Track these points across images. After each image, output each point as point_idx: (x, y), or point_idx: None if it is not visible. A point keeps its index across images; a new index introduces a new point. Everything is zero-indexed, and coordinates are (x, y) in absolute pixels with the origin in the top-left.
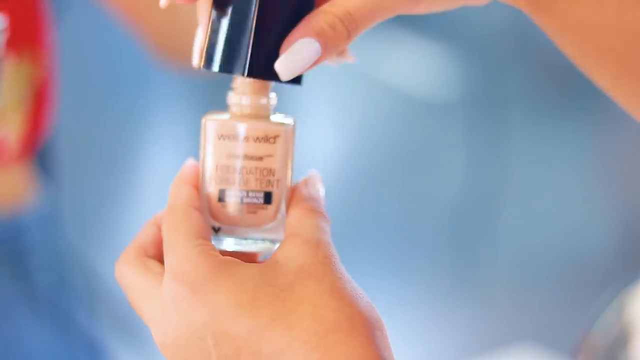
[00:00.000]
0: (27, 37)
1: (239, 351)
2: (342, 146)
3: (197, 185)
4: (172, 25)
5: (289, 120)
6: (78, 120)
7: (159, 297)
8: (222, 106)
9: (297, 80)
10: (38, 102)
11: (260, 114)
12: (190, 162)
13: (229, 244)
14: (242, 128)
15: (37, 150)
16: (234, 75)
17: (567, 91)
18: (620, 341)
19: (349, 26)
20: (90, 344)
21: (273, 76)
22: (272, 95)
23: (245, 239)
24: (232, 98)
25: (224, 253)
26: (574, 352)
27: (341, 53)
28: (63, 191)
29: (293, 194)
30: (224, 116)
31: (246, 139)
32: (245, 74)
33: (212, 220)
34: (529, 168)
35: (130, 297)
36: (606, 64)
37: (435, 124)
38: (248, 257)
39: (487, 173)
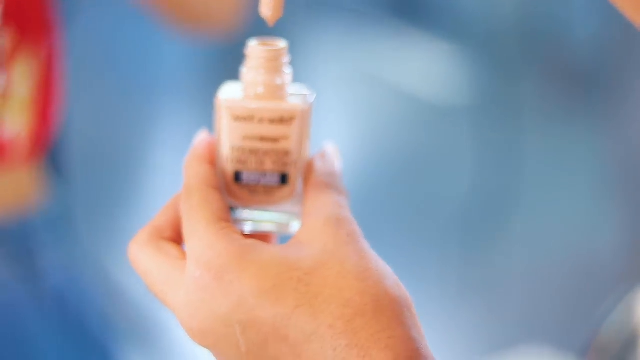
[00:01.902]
0: (35, 36)
1: (266, 337)
2: (351, 149)
3: (213, 162)
4: None
5: (304, 100)
6: (89, 120)
7: (182, 284)
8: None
9: None
10: (46, 100)
11: (276, 94)
12: (202, 136)
13: (246, 223)
14: (257, 110)
15: (47, 150)
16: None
17: (578, 95)
18: (630, 342)
19: None
20: (100, 345)
21: None
22: (288, 71)
23: (262, 218)
24: (246, 75)
25: (247, 236)
26: (584, 353)
27: None
28: (74, 191)
29: (309, 168)
30: (238, 95)
31: (261, 120)
32: None
33: (229, 200)
34: (539, 171)
35: (148, 282)
36: None
37: (446, 127)
38: (267, 237)
39: (497, 176)
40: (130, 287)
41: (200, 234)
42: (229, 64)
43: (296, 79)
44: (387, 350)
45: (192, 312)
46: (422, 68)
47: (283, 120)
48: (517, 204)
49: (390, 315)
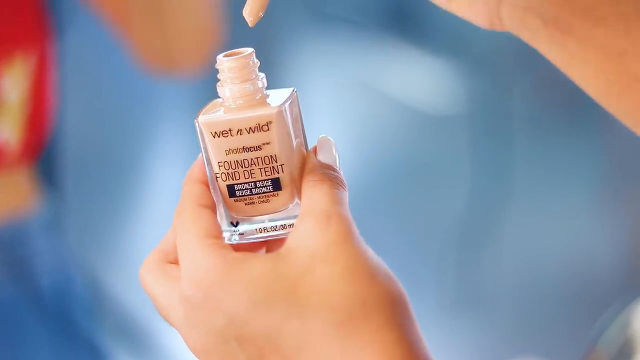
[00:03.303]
0: (28, 42)
1: (262, 351)
2: (347, 159)
3: (206, 181)
4: (160, 33)
5: (280, 101)
6: (81, 126)
7: (179, 304)
8: None
9: None
10: (38, 106)
11: (252, 102)
12: (201, 156)
13: (251, 235)
14: (232, 122)
15: (38, 156)
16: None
17: (571, 105)
18: (625, 357)
19: None
20: (92, 348)
21: None
22: (261, 76)
23: (266, 227)
24: (219, 90)
25: (241, 246)
26: None
27: None
28: (65, 197)
29: (304, 165)
30: (215, 112)
31: (239, 131)
32: None
33: (230, 215)
34: (533, 181)
35: (156, 305)
36: (633, 96)
37: (441, 137)
38: (259, 247)
39: (492, 186)
40: (119, 290)
41: (190, 253)
42: None
43: (292, 86)
44: (381, 354)
45: (191, 331)
46: (418, 79)
47: (261, 126)
48: (513, 213)
49: (381, 317)
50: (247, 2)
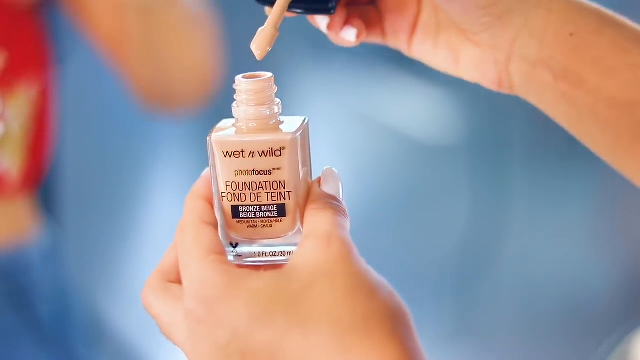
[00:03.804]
0: (29, 72)
1: None
2: (345, 189)
3: (211, 198)
4: (157, 71)
5: (294, 128)
6: (80, 156)
7: (182, 321)
8: None
9: (326, 8)
10: (39, 136)
11: (265, 127)
12: (206, 173)
13: (249, 258)
14: (246, 144)
15: (38, 185)
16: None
17: (570, 136)
18: None
19: None
20: None
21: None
22: (276, 101)
23: (264, 252)
24: (235, 110)
25: (240, 266)
26: None
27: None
28: (65, 226)
29: (308, 194)
30: (229, 132)
31: (252, 154)
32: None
33: (230, 235)
34: (532, 211)
35: (159, 324)
36: None
37: (438, 167)
38: (270, 265)
39: (490, 216)
40: (118, 318)
41: (192, 269)
42: (229, 95)
43: (291, 115)
44: None
45: (194, 347)
46: (417, 109)
47: (274, 151)
48: (511, 242)
49: (383, 331)
50: (255, 36)
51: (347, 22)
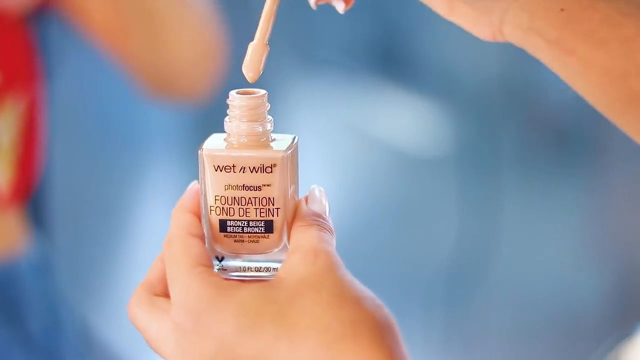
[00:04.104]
0: (18, 85)
1: None
2: (334, 202)
3: (198, 211)
4: (159, 59)
5: (286, 146)
6: (71, 169)
7: (170, 333)
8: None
9: None
10: (28, 148)
11: (257, 143)
12: (192, 186)
13: (233, 272)
14: (237, 159)
15: (28, 198)
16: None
17: (559, 146)
18: None
19: None
20: None
21: None
22: (269, 118)
23: (249, 267)
24: (227, 125)
25: (227, 279)
26: None
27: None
28: (55, 239)
29: (295, 212)
30: (221, 145)
31: (243, 169)
32: None
33: (215, 249)
34: (522, 221)
35: (145, 338)
36: (636, 110)
37: (428, 179)
38: (254, 280)
39: (480, 227)
40: (109, 331)
41: (180, 280)
42: (217, 113)
43: (281, 129)
44: None
45: (182, 359)
46: (406, 121)
47: (265, 167)
48: (502, 254)
49: (370, 338)
50: (246, 55)
51: None
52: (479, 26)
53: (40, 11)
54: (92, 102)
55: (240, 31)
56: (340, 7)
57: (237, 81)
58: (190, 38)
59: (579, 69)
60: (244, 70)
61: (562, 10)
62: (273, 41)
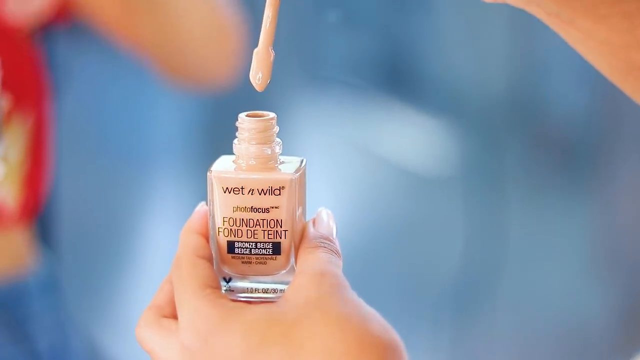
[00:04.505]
0: (26, 102)
1: None
2: (340, 220)
3: (206, 233)
4: (175, 44)
5: (294, 168)
6: (79, 187)
7: (178, 355)
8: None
9: None
10: (35, 166)
11: (266, 165)
12: (200, 208)
13: (240, 293)
14: (246, 181)
15: (35, 216)
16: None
17: (565, 166)
18: None
19: None
20: None
21: None
22: (277, 141)
23: (256, 288)
24: (237, 148)
25: (234, 300)
26: None
27: None
28: (62, 258)
29: (302, 234)
30: (230, 167)
31: (251, 191)
32: None
33: (223, 270)
34: (528, 242)
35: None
36: (637, 79)
37: (435, 199)
38: (260, 301)
39: (486, 247)
40: (116, 351)
41: (188, 302)
42: (224, 130)
43: (287, 148)
44: None
45: None
46: (412, 140)
47: (273, 190)
48: (508, 274)
49: (376, 359)
50: (252, 63)
51: None
52: None
53: (48, 27)
54: (100, 119)
55: (256, 11)
56: None
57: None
58: (202, 19)
59: (579, 37)
60: (252, 79)
61: None
62: (277, 60)
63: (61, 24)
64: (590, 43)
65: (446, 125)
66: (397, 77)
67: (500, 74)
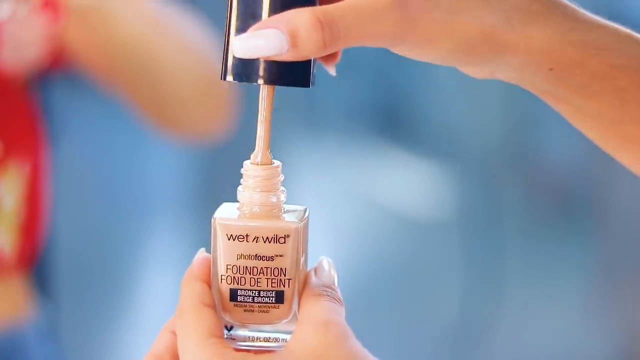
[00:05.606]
0: (21, 150)
1: None
2: (339, 266)
3: (208, 280)
4: (165, 100)
5: (298, 217)
6: (74, 234)
7: None
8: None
9: (303, 80)
10: (32, 213)
11: (269, 213)
12: (200, 254)
13: (242, 341)
14: (251, 229)
15: (32, 264)
16: (242, 169)
17: (562, 209)
18: None
19: (328, 38)
20: None
21: (249, 77)
22: (282, 189)
23: (258, 337)
24: (241, 195)
25: (238, 349)
26: None
27: (329, 58)
28: (60, 306)
29: (304, 283)
30: (234, 214)
31: (256, 239)
32: (221, 77)
33: (225, 318)
34: (526, 287)
35: None
36: (630, 150)
37: (432, 244)
38: (261, 351)
39: (484, 292)
40: None
41: (191, 351)
42: (220, 174)
43: (287, 195)
44: None
45: None
46: (408, 185)
47: (278, 238)
48: (505, 318)
49: None
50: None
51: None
52: (472, 70)
53: (43, 75)
54: (97, 166)
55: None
56: (332, 71)
57: (247, 119)
58: (193, 76)
59: (572, 112)
60: (254, 158)
61: (550, 69)
62: (275, 108)
63: (57, 72)
64: (583, 117)
65: (443, 170)
66: (394, 123)
67: (497, 119)
